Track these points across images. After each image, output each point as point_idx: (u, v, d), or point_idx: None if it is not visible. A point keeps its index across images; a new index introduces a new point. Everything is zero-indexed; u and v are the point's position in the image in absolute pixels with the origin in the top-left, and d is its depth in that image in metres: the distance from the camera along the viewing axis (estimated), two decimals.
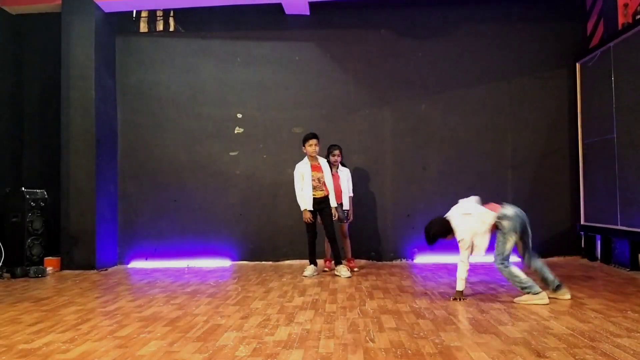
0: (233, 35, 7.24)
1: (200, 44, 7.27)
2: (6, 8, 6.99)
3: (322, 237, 6.14)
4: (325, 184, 5.94)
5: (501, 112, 6.94)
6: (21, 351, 3.13)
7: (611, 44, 5.90)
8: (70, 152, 6.66)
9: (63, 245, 6.65)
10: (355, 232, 6.94)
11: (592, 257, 6.57)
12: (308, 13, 7.09)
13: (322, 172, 5.95)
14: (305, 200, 5.86)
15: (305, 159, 5.99)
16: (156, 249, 7.06)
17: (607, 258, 6.25)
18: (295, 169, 5.98)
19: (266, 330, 3.49)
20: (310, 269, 5.89)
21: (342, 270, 5.73)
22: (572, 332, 3.27)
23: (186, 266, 6.86)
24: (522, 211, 4.34)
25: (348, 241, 6.31)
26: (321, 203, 5.90)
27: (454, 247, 6.67)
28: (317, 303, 4.35)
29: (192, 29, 7.27)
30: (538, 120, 6.93)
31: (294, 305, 4.29)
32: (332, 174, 6.05)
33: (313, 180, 5.90)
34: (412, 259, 6.92)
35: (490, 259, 6.41)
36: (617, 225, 5.74)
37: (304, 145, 5.96)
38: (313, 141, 5.89)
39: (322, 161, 6.03)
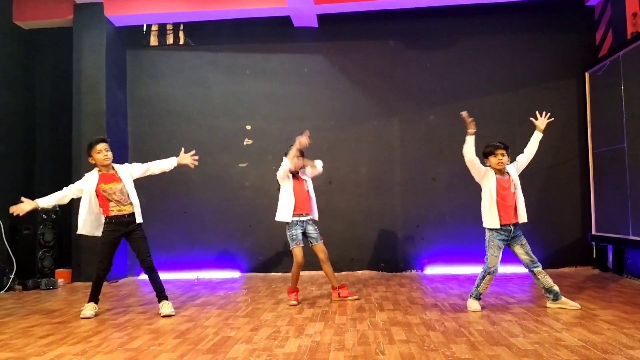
0: (242, 48, 7.30)
1: (209, 56, 7.33)
2: (19, 23, 7.10)
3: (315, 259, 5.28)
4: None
5: (510, 123, 6.92)
6: None
7: (620, 54, 5.89)
8: (82, 164, 6.69)
9: (74, 258, 6.69)
10: (365, 243, 6.94)
11: (604, 268, 6.51)
12: (316, 25, 7.14)
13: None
14: None
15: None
16: (166, 260, 7.08)
17: (619, 269, 6.18)
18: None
19: (276, 342, 3.49)
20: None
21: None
22: (584, 344, 3.24)
23: (196, 278, 6.88)
24: None
25: (329, 265, 5.05)
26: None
27: (464, 259, 6.67)
28: (326, 315, 4.34)
29: (201, 42, 7.34)
30: (547, 131, 6.78)
31: (303, 317, 4.29)
32: (297, 179, 5.06)
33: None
34: (422, 270, 6.89)
35: (500, 270, 6.40)
36: (629, 235, 5.69)
37: None
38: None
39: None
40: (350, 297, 4.96)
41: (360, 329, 3.81)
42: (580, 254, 6.74)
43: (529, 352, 3.11)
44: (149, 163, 4.84)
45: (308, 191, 5.07)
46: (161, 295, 4.60)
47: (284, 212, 4.94)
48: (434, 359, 3.01)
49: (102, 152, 4.53)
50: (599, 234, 6.42)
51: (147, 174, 4.81)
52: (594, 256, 6.69)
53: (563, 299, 4.39)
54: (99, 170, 4.58)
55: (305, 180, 5.10)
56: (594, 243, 6.62)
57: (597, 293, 5.06)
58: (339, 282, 5.10)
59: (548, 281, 4.39)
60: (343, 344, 3.40)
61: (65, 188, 4.58)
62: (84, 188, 4.52)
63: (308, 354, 3.17)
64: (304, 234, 4.98)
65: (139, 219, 4.64)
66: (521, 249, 4.43)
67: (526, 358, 2.99)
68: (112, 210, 4.52)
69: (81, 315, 4.44)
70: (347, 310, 4.50)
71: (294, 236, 4.90)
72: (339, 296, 4.99)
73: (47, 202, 4.52)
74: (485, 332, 3.61)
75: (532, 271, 4.42)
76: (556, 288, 4.39)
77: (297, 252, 4.88)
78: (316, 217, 5.13)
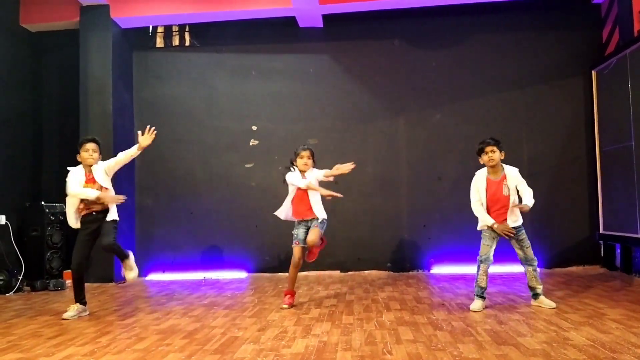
0: (247, 49, 7.31)
1: (215, 57, 7.35)
2: (26, 26, 7.14)
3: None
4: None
5: (517, 121, 6.91)
6: None
7: (627, 51, 5.86)
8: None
9: None
10: (371, 243, 6.94)
11: (612, 267, 6.48)
12: (321, 25, 7.14)
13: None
14: None
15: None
16: (173, 261, 7.11)
17: (627, 267, 6.15)
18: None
19: (283, 342, 3.49)
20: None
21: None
22: (592, 343, 3.22)
23: (203, 278, 6.90)
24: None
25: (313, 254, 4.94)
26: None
27: (471, 258, 6.64)
28: (333, 315, 4.34)
29: (207, 43, 7.36)
30: (554, 129, 6.88)
31: (310, 317, 4.29)
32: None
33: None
34: (429, 270, 6.88)
35: (507, 269, 6.39)
36: (637, 233, 5.66)
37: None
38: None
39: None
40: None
41: (367, 328, 3.81)
42: (588, 252, 6.71)
43: (536, 351, 3.09)
44: (118, 155, 4.72)
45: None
46: (123, 257, 4.63)
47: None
48: (441, 359, 3.01)
49: (89, 151, 4.59)
50: (606, 233, 6.39)
51: (119, 166, 4.71)
52: (602, 255, 6.66)
53: (541, 297, 4.43)
54: (84, 170, 4.62)
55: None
56: (601, 242, 6.59)
57: (605, 292, 5.04)
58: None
59: (532, 281, 4.44)
60: (350, 344, 3.40)
61: (73, 183, 4.55)
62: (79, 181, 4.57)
63: (315, 354, 3.18)
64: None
65: (112, 217, 4.61)
66: (517, 244, 4.47)
67: (534, 358, 2.98)
68: (82, 209, 4.57)
69: (63, 315, 4.48)
70: (354, 310, 4.50)
71: (294, 235, 4.86)
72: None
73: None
74: (493, 332, 3.60)
75: (523, 265, 4.49)
76: (538, 290, 4.44)
77: (295, 251, 4.81)
78: (321, 213, 4.84)
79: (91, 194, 4.50)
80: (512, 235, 4.40)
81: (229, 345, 3.47)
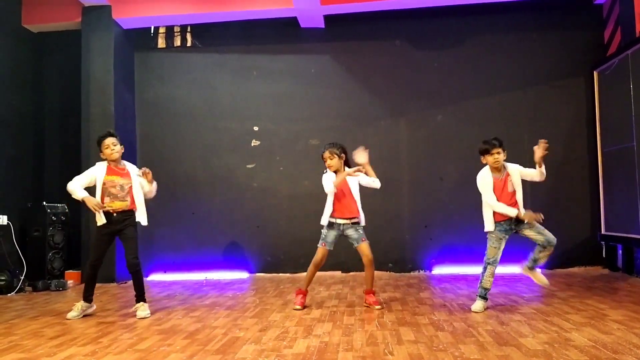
0: (249, 49, 7.31)
1: (216, 58, 7.35)
2: (28, 27, 7.15)
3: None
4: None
5: (518, 122, 6.90)
6: None
7: (629, 52, 5.85)
8: (90, 167, 6.74)
9: (83, 259, 6.72)
10: (373, 243, 6.89)
11: (614, 268, 6.47)
12: (323, 26, 7.14)
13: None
14: None
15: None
16: (175, 261, 7.11)
17: (629, 268, 6.14)
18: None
19: (284, 343, 3.49)
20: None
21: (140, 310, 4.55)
22: (594, 344, 3.22)
23: (204, 279, 6.90)
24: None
25: (372, 269, 4.81)
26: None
27: (472, 259, 6.63)
28: (335, 315, 4.34)
29: (208, 43, 7.37)
30: (555, 130, 6.86)
31: (311, 317, 4.29)
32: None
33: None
34: (431, 270, 6.87)
35: (509, 269, 6.38)
36: (639, 234, 5.65)
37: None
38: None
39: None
40: (376, 306, 4.59)
41: (368, 329, 3.81)
42: (589, 253, 6.70)
43: (538, 352, 3.09)
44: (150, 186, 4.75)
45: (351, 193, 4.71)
46: (140, 298, 4.60)
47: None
48: None
49: (110, 146, 4.57)
50: (608, 234, 6.39)
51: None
52: (604, 256, 6.64)
53: (537, 271, 4.58)
54: (108, 163, 4.62)
55: (348, 180, 4.70)
56: (603, 242, 6.58)
57: (606, 293, 5.03)
58: (369, 287, 4.75)
59: (543, 259, 4.47)
60: (351, 344, 3.40)
61: (78, 177, 4.56)
62: (96, 176, 4.56)
63: (316, 355, 3.18)
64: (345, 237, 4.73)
65: (140, 219, 4.64)
66: (531, 231, 4.38)
67: (535, 358, 2.98)
68: (104, 205, 4.52)
69: (67, 315, 4.48)
70: (355, 311, 4.50)
71: (323, 235, 4.72)
72: (366, 302, 4.71)
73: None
74: (494, 333, 3.60)
75: (543, 247, 4.39)
76: (540, 263, 4.52)
77: (318, 251, 4.71)
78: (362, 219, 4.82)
79: (76, 190, 4.49)
80: (542, 219, 4.32)
81: (230, 345, 3.47)
